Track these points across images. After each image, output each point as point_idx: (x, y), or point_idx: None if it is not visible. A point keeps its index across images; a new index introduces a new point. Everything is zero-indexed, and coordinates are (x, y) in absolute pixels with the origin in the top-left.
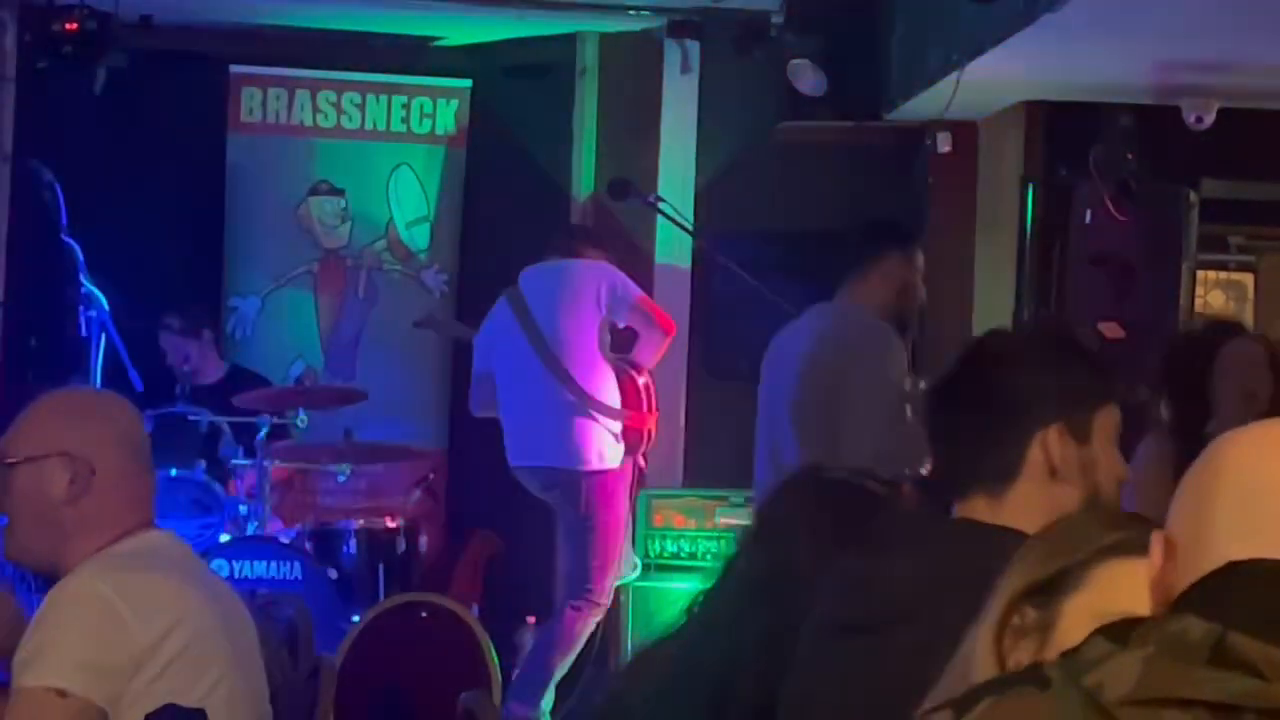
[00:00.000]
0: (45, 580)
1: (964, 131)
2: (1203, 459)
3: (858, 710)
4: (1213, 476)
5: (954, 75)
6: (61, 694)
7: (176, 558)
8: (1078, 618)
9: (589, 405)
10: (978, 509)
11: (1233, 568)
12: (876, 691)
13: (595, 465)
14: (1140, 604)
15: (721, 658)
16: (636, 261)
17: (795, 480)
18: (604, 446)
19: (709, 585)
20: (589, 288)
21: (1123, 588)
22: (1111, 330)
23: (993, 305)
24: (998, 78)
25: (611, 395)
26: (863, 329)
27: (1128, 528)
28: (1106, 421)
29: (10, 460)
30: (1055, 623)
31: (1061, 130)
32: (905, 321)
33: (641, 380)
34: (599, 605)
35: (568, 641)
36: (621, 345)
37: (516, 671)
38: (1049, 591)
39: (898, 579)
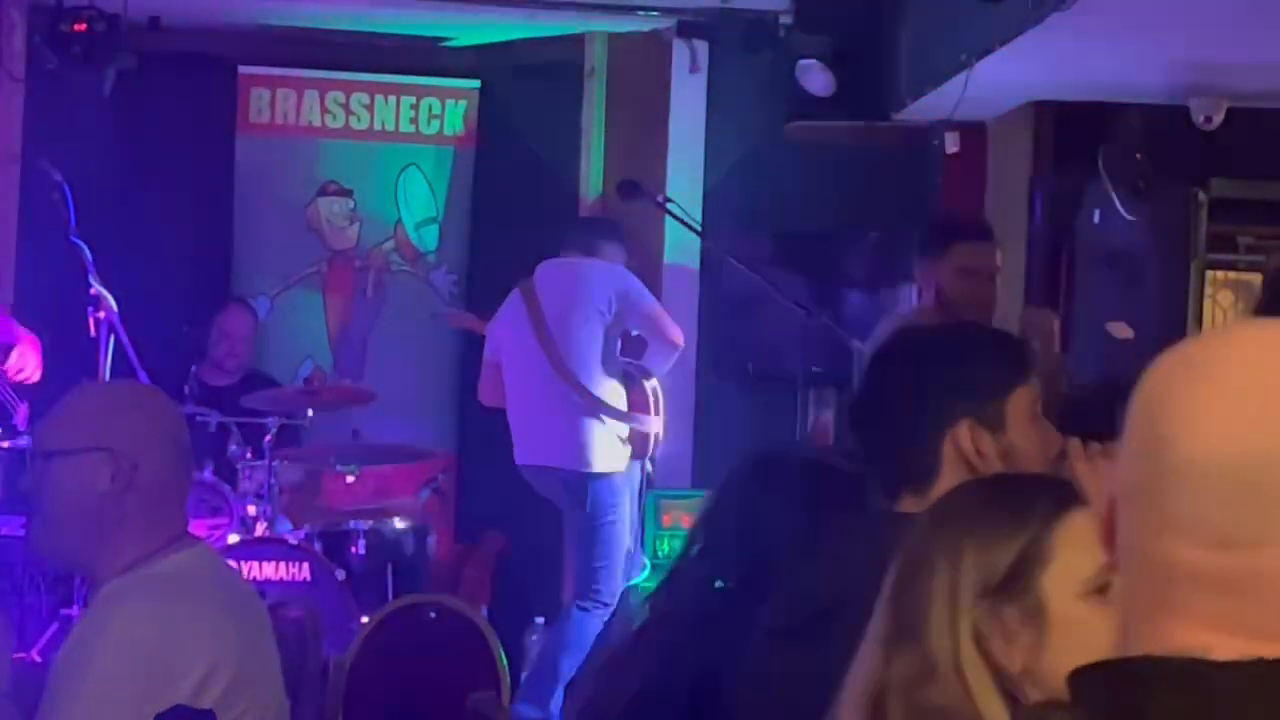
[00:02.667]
0: (60, 579)
1: (973, 132)
2: (1136, 411)
3: (797, 713)
4: (1150, 442)
5: (962, 75)
6: None
7: (212, 580)
8: (1063, 588)
9: (596, 407)
10: (908, 508)
11: (1144, 674)
12: (812, 695)
13: (600, 467)
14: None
15: (694, 656)
16: (645, 262)
17: (748, 463)
18: (609, 448)
19: (667, 575)
20: (600, 291)
21: (1084, 544)
22: (1120, 330)
23: (1001, 304)
24: (1006, 78)
25: (617, 398)
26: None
27: (1044, 489)
28: (1021, 403)
29: (48, 451)
30: (1044, 605)
31: (1070, 130)
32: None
33: (650, 384)
34: (606, 606)
35: (576, 643)
36: (633, 349)
37: (525, 673)
38: (1013, 579)
39: (828, 579)
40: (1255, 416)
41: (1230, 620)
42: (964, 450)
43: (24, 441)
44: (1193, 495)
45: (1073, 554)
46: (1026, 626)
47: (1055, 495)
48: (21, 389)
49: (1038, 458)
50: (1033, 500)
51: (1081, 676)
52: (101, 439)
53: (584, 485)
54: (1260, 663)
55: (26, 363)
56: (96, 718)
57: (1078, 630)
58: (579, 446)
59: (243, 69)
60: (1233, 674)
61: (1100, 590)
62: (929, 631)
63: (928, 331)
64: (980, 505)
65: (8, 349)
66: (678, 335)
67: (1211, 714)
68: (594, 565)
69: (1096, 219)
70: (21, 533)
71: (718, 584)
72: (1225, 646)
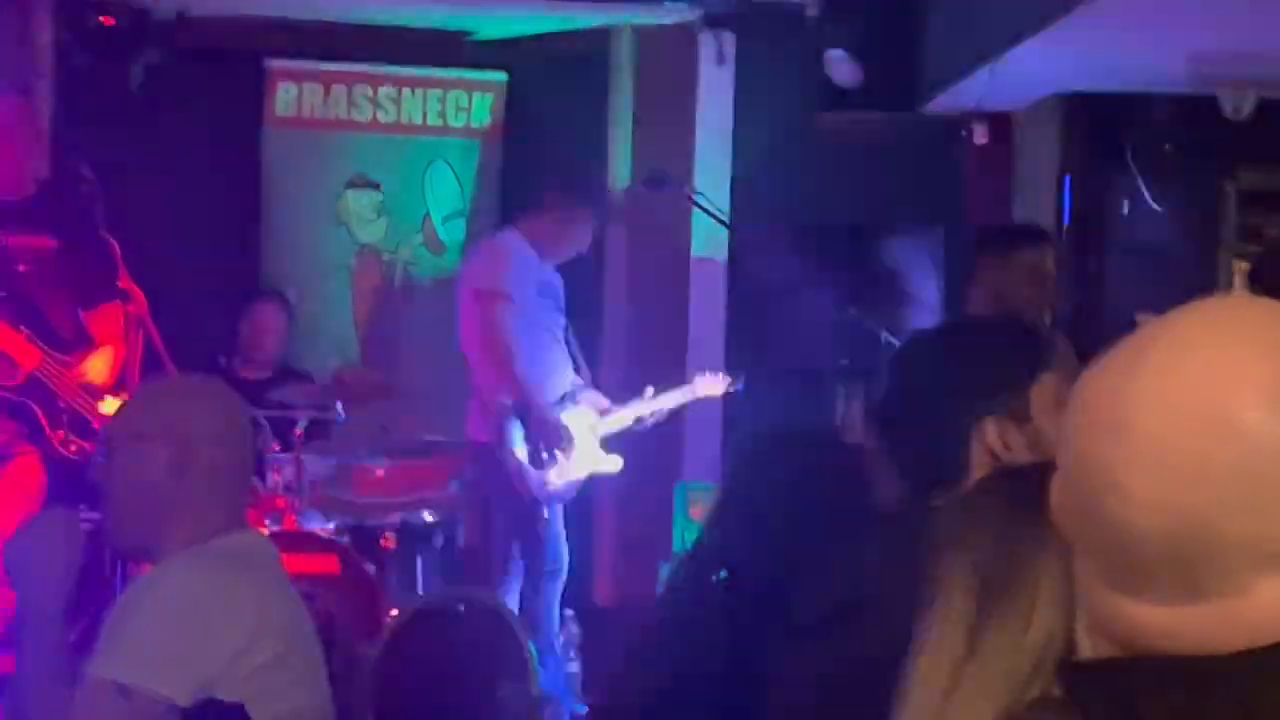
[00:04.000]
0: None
1: (1000, 122)
2: (1079, 393)
3: (830, 705)
4: (1094, 424)
5: (990, 66)
6: (124, 690)
7: (267, 564)
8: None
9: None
10: None
11: (1141, 671)
12: (845, 687)
13: None
14: None
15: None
16: (672, 254)
17: (758, 443)
18: None
19: (683, 559)
20: None
21: None
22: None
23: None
24: (1034, 68)
25: None
26: None
27: None
28: (1045, 391)
29: (113, 438)
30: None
31: (1098, 121)
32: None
33: None
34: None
35: None
36: None
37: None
38: (1009, 583)
39: (857, 575)
40: (1177, 485)
41: (1177, 593)
42: (991, 445)
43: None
44: (1128, 555)
45: None
46: None
47: None
48: (95, 391)
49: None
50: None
51: (1076, 674)
52: (162, 425)
53: None
54: (1258, 652)
55: (95, 368)
56: (136, 659)
57: None
58: None
59: (270, 62)
60: (1230, 667)
61: None
62: (1035, 616)
63: (945, 331)
64: (990, 500)
65: (82, 356)
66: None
67: (1211, 711)
68: None
69: (1125, 210)
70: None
71: (721, 574)
72: (1177, 626)
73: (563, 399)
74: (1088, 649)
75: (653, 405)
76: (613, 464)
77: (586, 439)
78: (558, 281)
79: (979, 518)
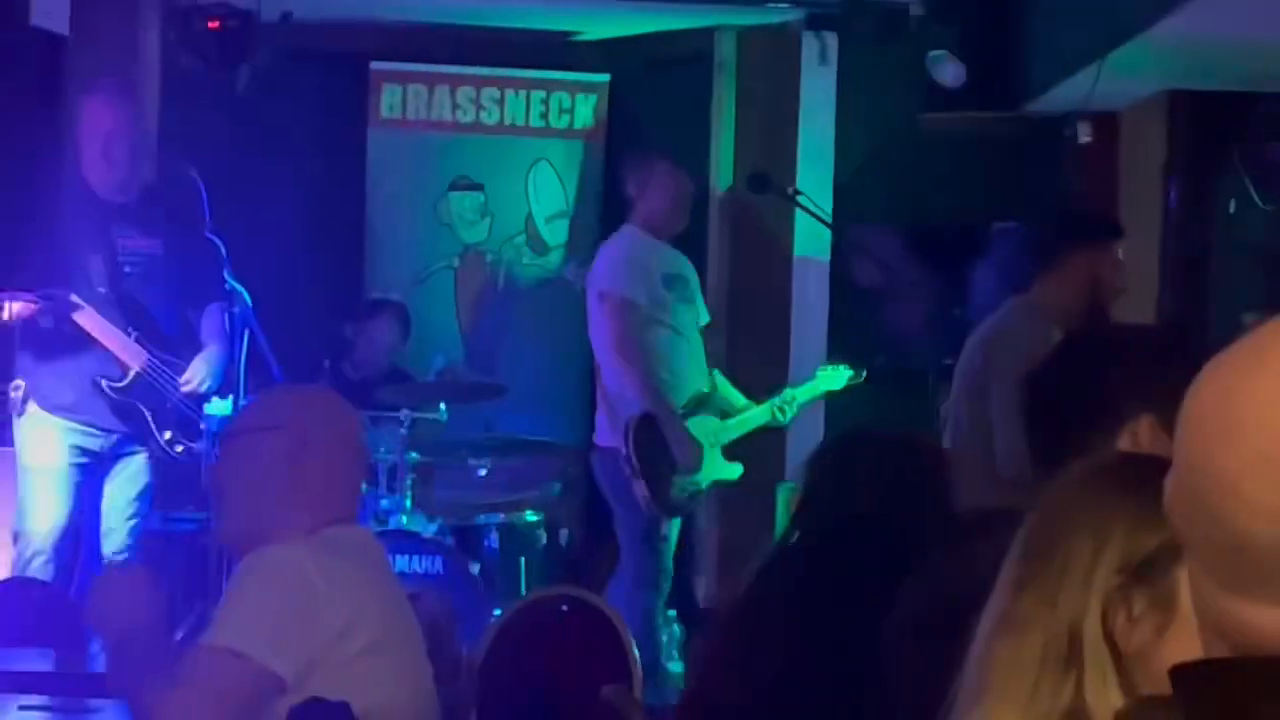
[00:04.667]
0: None
1: (1105, 121)
2: (1189, 402)
3: (938, 712)
4: (1203, 432)
5: (1095, 65)
6: (238, 656)
7: (373, 559)
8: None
9: None
10: None
11: (1255, 674)
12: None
13: None
14: None
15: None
16: (775, 254)
17: (839, 441)
18: None
19: (767, 557)
20: None
21: None
22: (1258, 321)
23: (1137, 296)
24: (1139, 67)
25: None
26: (1011, 330)
27: None
28: None
29: (229, 433)
30: (1176, 596)
31: (1205, 119)
32: (1106, 314)
33: None
34: None
35: None
36: None
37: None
38: (1156, 564)
39: (977, 577)
40: (1239, 371)
41: None
42: (1140, 445)
43: (204, 446)
44: (1243, 558)
45: None
46: (1153, 611)
47: None
48: (200, 397)
49: None
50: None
51: (1187, 674)
52: (280, 418)
53: None
54: None
55: (197, 374)
56: (250, 630)
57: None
58: None
59: (374, 65)
60: None
61: None
62: (1062, 592)
63: (1122, 326)
64: (1138, 483)
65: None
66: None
67: None
68: None
69: (1231, 209)
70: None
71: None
72: None
73: (693, 402)
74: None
75: (782, 403)
76: (732, 472)
77: (709, 448)
78: (689, 271)
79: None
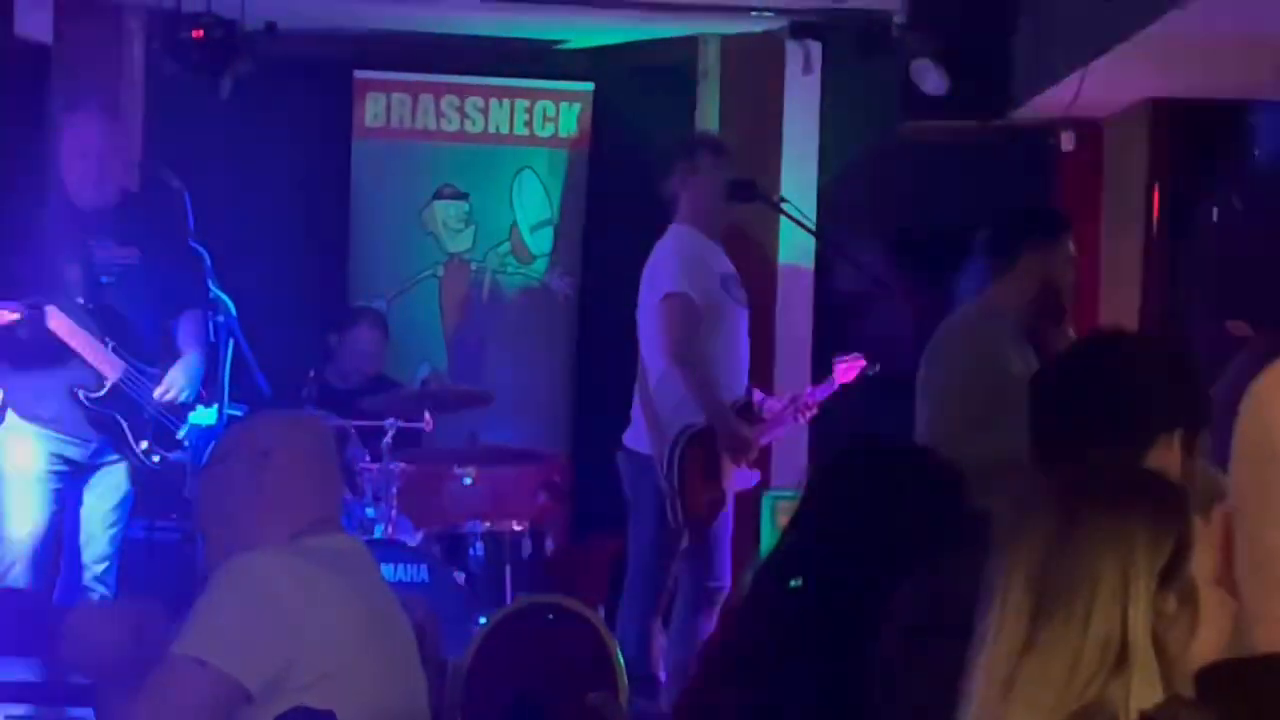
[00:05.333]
0: None
1: (1089, 130)
2: (1245, 416)
3: (939, 714)
4: (1257, 448)
5: (1078, 73)
6: (202, 664)
7: (359, 566)
8: (1201, 574)
9: None
10: None
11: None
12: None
13: None
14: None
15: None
16: (759, 262)
17: (841, 455)
18: None
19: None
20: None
21: (1204, 534)
22: (1240, 329)
23: (1119, 304)
24: (1123, 75)
25: None
26: (965, 330)
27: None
28: (1203, 442)
29: (208, 460)
30: (1196, 590)
31: (1188, 128)
32: (1055, 316)
33: None
34: None
35: None
36: None
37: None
38: (1176, 565)
39: (962, 579)
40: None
41: None
42: (1167, 460)
43: (185, 455)
44: None
45: (1202, 544)
46: (1183, 609)
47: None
48: (179, 407)
49: (1209, 492)
50: (1178, 489)
51: (1211, 675)
52: (249, 439)
53: None
54: None
55: (174, 383)
56: (215, 639)
57: (1212, 614)
58: None
59: (358, 73)
60: None
61: (1217, 580)
62: (1094, 613)
63: (1149, 340)
64: (1145, 495)
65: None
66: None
67: None
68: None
69: (1215, 217)
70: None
71: (793, 583)
72: None
73: (735, 406)
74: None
75: (803, 403)
76: (749, 479)
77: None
78: (736, 271)
79: (1036, 518)
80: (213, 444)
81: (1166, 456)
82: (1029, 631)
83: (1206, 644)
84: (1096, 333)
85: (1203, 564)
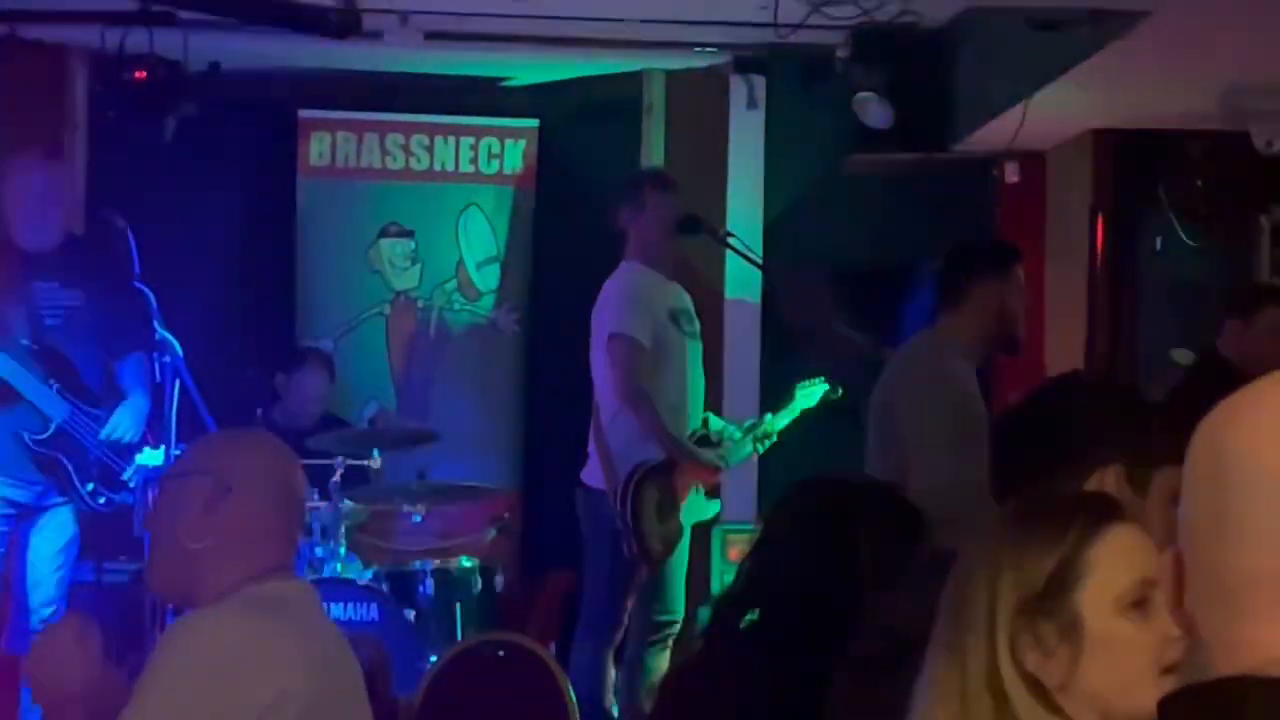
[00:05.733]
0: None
1: (1032, 161)
2: (1196, 447)
3: None
4: (1216, 467)
5: (1021, 105)
6: None
7: (308, 613)
8: (1099, 608)
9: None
10: None
11: (1238, 694)
12: None
13: None
14: (1142, 563)
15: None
16: (707, 297)
17: (800, 489)
18: None
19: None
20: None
21: (1120, 559)
22: (1184, 357)
23: (1064, 333)
24: (1065, 107)
25: None
26: (921, 366)
27: (1082, 506)
28: (1168, 482)
29: (161, 479)
30: (1081, 621)
31: (1130, 158)
32: (1009, 346)
33: None
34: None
35: None
36: None
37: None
38: (1050, 594)
39: (913, 612)
40: (1225, 422)
41: None
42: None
43: (131, 497)
44: (1259, 504)
45: (1109, 569)
46: (1064, 642)
47: (1094, 510)
48: (125, 448)
49: (1160, 537)
50: (1070, 515)
51: (1174, 702)
52: (203, 465)
53: None
54: None
55: (119, 424)
56: (165, 712)
57: (1114, 646)
58: None
59: (303, 113)
60: None
61: (1137, 605)
62: (966, 643)
63: (1099, 381)
64: (1021, 519)
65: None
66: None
67: None
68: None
69: (1158, 247)
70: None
71: (749, 618)
72: None
73: (692, 438)
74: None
75: (764, 429)
76: (711, 510)
77: (694, 490)
78: (689, 303)
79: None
80: (177, 456)
81: (1109, 487)
82: (930, 669)
83: (1123, 676)
84: (1056, 376)
85: (1115, 582)
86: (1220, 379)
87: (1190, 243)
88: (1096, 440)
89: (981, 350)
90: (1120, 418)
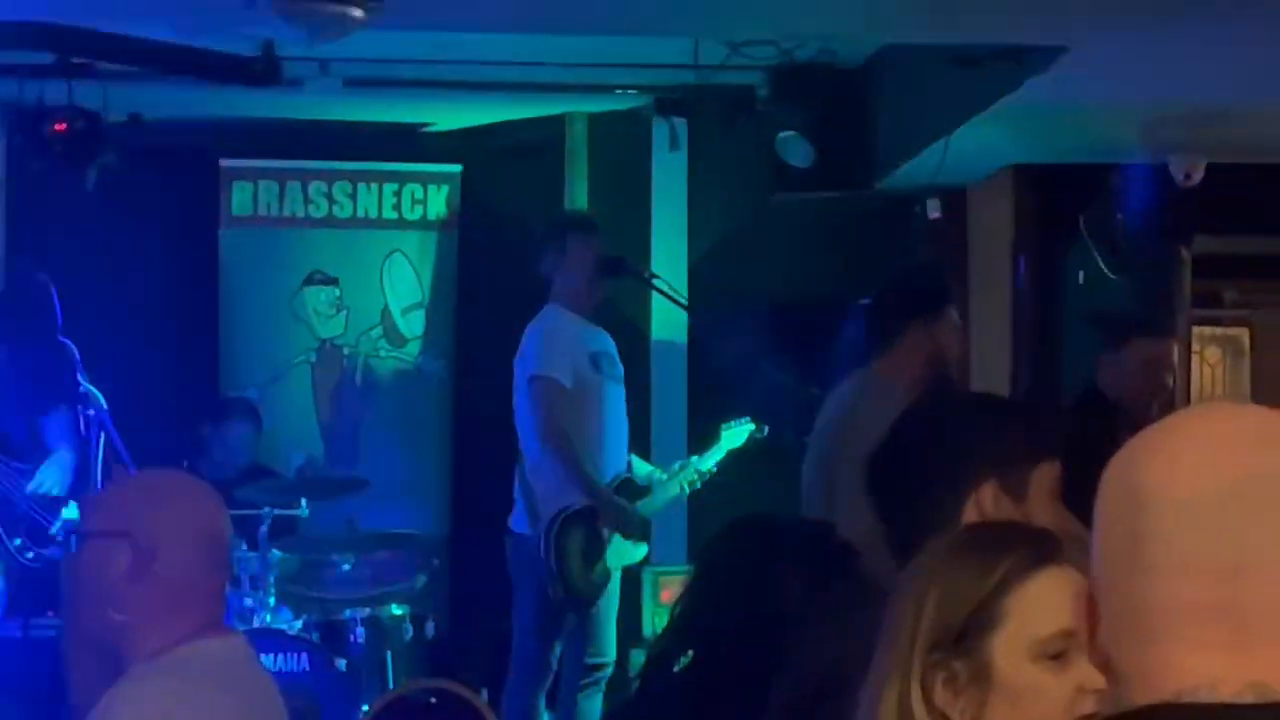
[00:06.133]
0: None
1: (954, 197)
2: (1110, 483)
3: None
4: (1131, 501)
5: (942, 141)
6: None
7: (242, 671)
8: (1012, 654)
9: None
10: None
11: (1160, 714)
12: None
13: None
14: (1064, 614)
15: None
16: (633, 338)
17: (732, 529)
18: None
19: (653, 646)
20: None
21: (1041, 608)
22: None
23: (990, 368)
24: (986, 143)
25: None
26: (857, 407)
27: (1015, 546)
28: (1045, 478)
29: (78, 535)
30: (990, 666)
31: (1051, 192)
32: (950, 380)
33: None
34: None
35: None
36: None
37: None
38: (966, 636)
39: (839, 651)
40: (1219, 459)
41: (1224, 640)
42: (984, 512)
43: (59, 552)
44: (1176, 533)
45: (1029, 617)
46: (974, 683)
47: (1027, 551)
48: (51, 502)
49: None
50: (1000, 555)
51: None
52: (123, 524)
53: None
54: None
55: (46, 478)
56: None
57: (1024, 694)
58: None
59: (224, 162)
60: (1251, 716)
61: (1055, 656)
62: (885, 676)
63: (960, 394)
64: (951, 555)
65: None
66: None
67: None
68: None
69: (1081, 279)
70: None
71: (682, 660)
72: (1227, 671)
73: (614, 484)
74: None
75: (691, 472)
76: (639, 554)
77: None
78: (612, 347)
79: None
80: (89, 509)
81: (987, 504)
82: (862, 702)
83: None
84: (912, 402)
85: (1034, 629)
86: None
87: (1112, 275)
88: (962, 463)
89: (914, 392)
90: (980, 432)
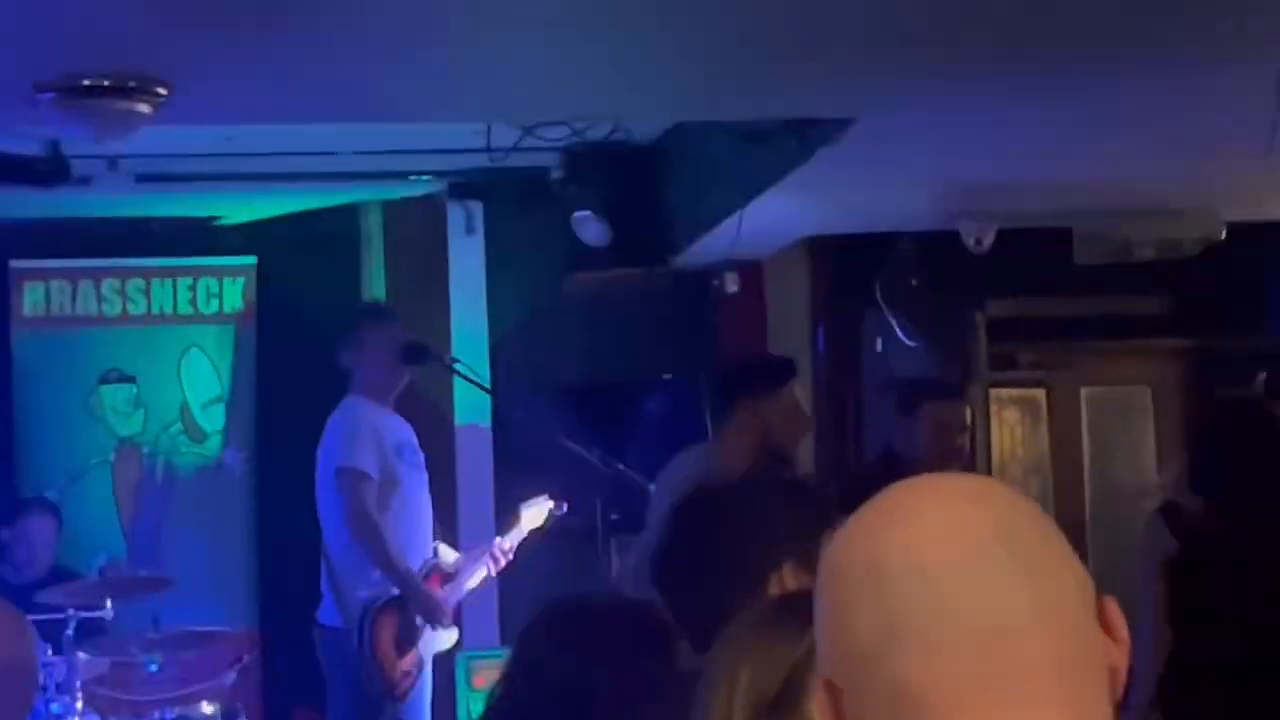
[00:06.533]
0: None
1: (750, 271)
2: (842, 562)
3: None
4: (875, 579)
5: (736, 216)
6: None
7: None
8: None
9: None
10: None
11: None
12: None
13: None
14: None
15: None
16: (437, 424)
17: (547, 613)
18: None
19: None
20: None
21: None
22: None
23: None
24: (779, 216)
25: None
26: (674, 484)
27: None
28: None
29: None
30: None
31: (846, 262)
32: (786, 459)
33: None
34: None
35: None
36: None
37: None
38: (781, 702)
39: None
40: (956, 524)
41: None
42: (786, 587)
43: None
44: (933, 610)
45: None
46: None
47: None
48: None
49: None
50: (809, 622)
51: None
52: None
53: None
54: None
55: None
56: None
57: None
58: None
59: (14, 263)
60: None
61: None
62: None
63: (737, 484)
64: (761, 626)
65: None
66: None
67: None
68: None
69: (878, 347)
70: None
71: None
72: None
73: (424, 569)
74: None
75: (493, 557)
76: (450, 640)
77: None
78: (413, 436)
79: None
80: None
81: (788, 580)
82: None
83: None
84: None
85: None
86: (895, 479)
87: (909, 341)
88: (759, 554)
89: (746, 468)
90: (763, 517)
